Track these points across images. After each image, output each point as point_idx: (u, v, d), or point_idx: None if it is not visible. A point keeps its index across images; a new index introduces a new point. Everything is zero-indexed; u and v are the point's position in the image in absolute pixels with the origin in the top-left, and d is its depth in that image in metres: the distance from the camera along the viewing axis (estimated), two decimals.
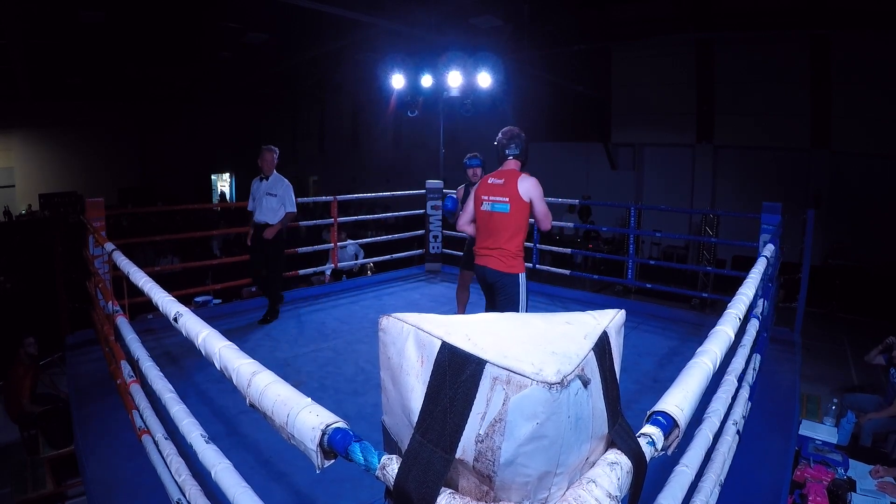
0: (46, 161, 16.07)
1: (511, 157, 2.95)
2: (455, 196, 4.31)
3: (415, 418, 0.67)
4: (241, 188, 20.86)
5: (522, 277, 2.95)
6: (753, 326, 2.23)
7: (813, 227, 4.18)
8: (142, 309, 4.41)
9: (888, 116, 8.44)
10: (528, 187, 2.85)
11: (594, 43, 10.32)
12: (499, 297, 2.97)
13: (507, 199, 2.86)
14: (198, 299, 5.91)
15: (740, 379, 2.02)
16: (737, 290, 1.71)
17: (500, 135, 3.01)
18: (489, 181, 2.95)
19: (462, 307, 4.26)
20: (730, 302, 1.56)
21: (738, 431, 1.98)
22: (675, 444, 0.84)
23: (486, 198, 2.94)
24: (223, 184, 21.33)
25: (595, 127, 11.83)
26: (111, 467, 2.50)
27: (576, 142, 12.40)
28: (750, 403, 2.46)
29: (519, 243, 2.93)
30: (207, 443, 1.39)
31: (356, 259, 6.83)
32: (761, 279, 2.09)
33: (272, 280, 4.63)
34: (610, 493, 0.64)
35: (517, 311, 2.92)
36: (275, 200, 4.44)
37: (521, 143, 2.96)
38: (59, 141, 16.15)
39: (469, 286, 4.25)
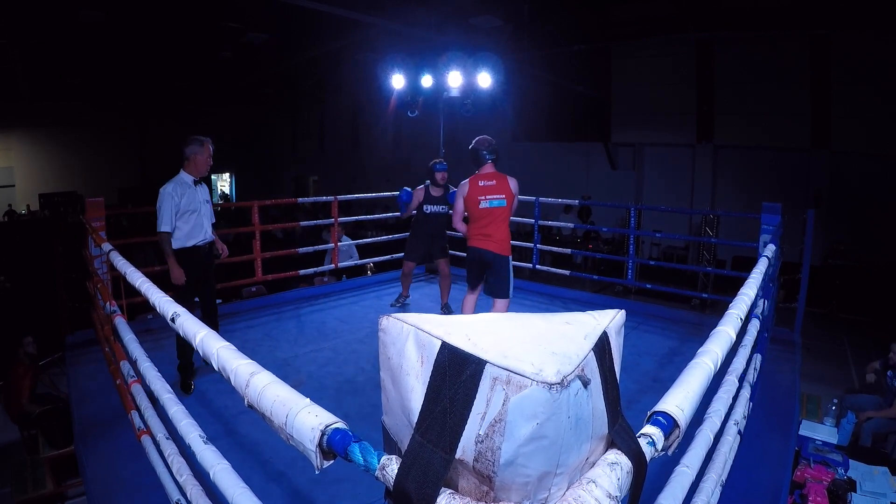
0: (46, 161, 16.06)
1: (490, 161, 3.58)
2: (410, 191, 4.69)
3: (414, 418, 0.67)
4: (241, 188, 20.86)
5: (510, 259, 3.68)
6: (754, 327, 2.22)
7: (813, 227, 4.18)
8: (142, 309, 4.41)
9: (888, 116, 8.44)
10: (515, 186, 3.59)
11: (594, 43, 10.32)
12: (492, 274, 3.64)
13: (503, 196, 3.53)
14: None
15: (741, 379, 2.02)
16: (738, 290, 1.71)
17: (479, 144, 3.59)
18: (480, 183, 3.54)
19: (406, 289, 5.06)
20: (731, 302, 1.55)
21: (738, 432, 1.97)
22: (675, 445, 0.84)
23: (482, 197, 3.53)
24: (223, 183, 21.32)
25: (595, 127, 11.83)
26: (111, 467, 2.50)
27: (576, 142, 12.41)
28: (750, 403, 2.46)
29: (509, 230, 3.65)
30: (206, 443, 1.38)
31: (350, 258, 6.82)
32: (763, 279, 2.09)
33: (215, 310, 3.64)
34: (610, 494, 0.64)
35: (507, 285, 3.64)
36: (210, 209, 3.46)
37: (496, 149, 3.63)
38: (59, 141, 16.14)
39: (412, 273, 5.06)
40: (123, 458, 2.52)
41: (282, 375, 0.93)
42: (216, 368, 1.08)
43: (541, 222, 5.73)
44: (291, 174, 20.44)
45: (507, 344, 0.65)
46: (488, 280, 3.68)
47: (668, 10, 9.38)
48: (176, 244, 3.24)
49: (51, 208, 15.55)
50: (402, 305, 5.06)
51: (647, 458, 0.73)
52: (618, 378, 0.73)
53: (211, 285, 3.53)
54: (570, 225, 8.72)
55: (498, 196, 3.53)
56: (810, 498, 3.58)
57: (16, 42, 10.41)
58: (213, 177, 20.53)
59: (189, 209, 3.26)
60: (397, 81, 6.14)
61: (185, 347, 3.27)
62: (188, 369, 3.33)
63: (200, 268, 3.38)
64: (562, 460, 0.62)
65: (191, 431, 1.43)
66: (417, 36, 8.54)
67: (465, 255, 3.80)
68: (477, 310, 3.98)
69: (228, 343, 1.11)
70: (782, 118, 9.55)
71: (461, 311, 4.03)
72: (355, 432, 0.74)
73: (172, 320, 1.40)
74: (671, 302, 7.84)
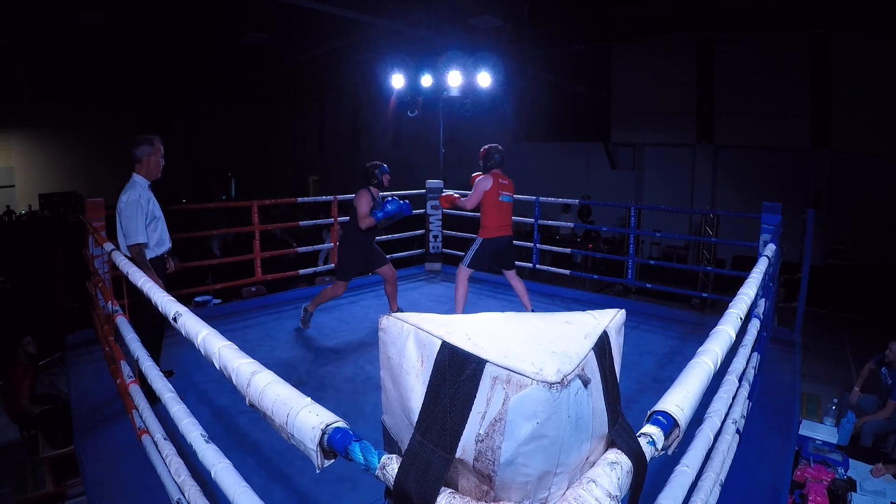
0: (46, 161, 16.07)
1: (501, 165, 4.23)
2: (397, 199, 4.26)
3: (415, 418, 0.67)
4: (241, 188, 20.85)
5: None
6: (754, 326, 2.22)
7: (813, 226, 4.18)
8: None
9: (888, 116, 8.44)
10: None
11: (594, 43, 10.31)
12: (510, 254, 4.32)
13: (511, 194, 4.24)
14: (197, 299, 5.91)
15: (741, 379, 2.02)
16: (738, 289, 1.71)
17: (495, 150, 4.22)
18: (500, 181, 4.16)
19: (321, 304, 4.44)
20: (731, 301, 1.55)
21: (738, 431, 1.97)
22: (675, 444, 0.84)
23: (502, 192, 4.16)
24: None
25: (595, 127, 11.83)
26: (111, 467, 2.50)
27: (576, 142, 12.41)
28: (750, 403, 2.46)
29: None
30: (207, 442, 1.39)
31: None
32: (763, 279, 2.09)
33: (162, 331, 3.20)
34: (610, 493, 0.64)
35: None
36: None
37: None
38: (59, 141, 16.15)
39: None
40: (123, 458, 2.52)
41: (282, 375, 0.93)
42: (218, 367, 1.08)
43: (541, 222, 5.74)
44: (291, 174, 20.44)
45: (508, 343, 0.65)
46: (505, 259, 4.31)
47: (668, 9, 9.38)
48: (148, 254, 2.98)
49: (51, 208, 15.54)
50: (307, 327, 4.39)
51: (647, 458, 0.73)
52: (618, 377, 0.73)
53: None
54: (570, 224, 8.71)
55: (509, 193, 4.22)
56: (810, 498, 3.59)
57: (16, 42, 10.42)
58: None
59: (156, 216, 3.03)
60: (397, 81, 6.14)
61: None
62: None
63: (162, 278, 3.05)
64: (562, 459, 0.62)
65: (192, 430, 1.43)
66: (417, 36, 8.53)
67: (480, 245, 4.20)
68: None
69: (230, 342, 1.12)
70: (782, 118, 9.55)
71: (459, 292, 4.28)
72: (355, 432, 0.74)
73: (174, 319, 1.40)
74: (671, 301, 7.84)
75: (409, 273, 6.34)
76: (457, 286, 4.31)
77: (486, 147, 4.27)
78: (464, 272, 4.27)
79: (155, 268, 3.00)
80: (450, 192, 4.44)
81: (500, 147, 4.27)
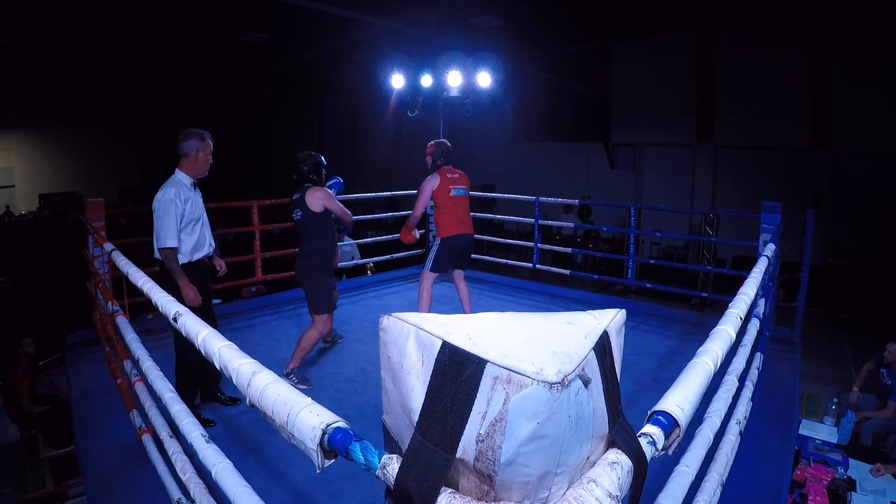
0: (46, 161, 16.06)
1: (449, 160, 4.04)
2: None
3: (415, 418, 0.67)
4: (241, 188, 20.85)
5: None
6: (754, 326, 2.22)
7: (813, 226, 4.18)
8: (142, 309, 4.41)
9: (888, 116, 8.44)
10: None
11: (594, 43, 10.32)
12: (468, 255, 4.09)
13: (465, 187, 4.02)
14: None
15: (741, 379, 2.02)
16: (738, 289, 1.71)
17: (441, 147, 4.02)
18: (448, 175, 3.95)
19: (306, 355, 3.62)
20: (731, 301, 1.55)
21: (739, 431, 1.97)
22: (675, 444, 0.84)
23: (452, 187, 3.94)
24: None
25: (595, 127, 11.83)
26: (111, 467, 2.50)
27: (576, 142, 12.41)
28: (750, 403, 2.46)
29: None
30: (208, 442, 1.39)
31: (352, 259, 6.82)
32: (762, 279, 2.09)
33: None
34: (610, 493, 0.64)
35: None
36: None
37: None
38: (59, 141, 16.14)
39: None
40: (123, 458, 2.52)
41: (281, 375, 0.93)
42: (218, 367, 1.08)
43: (541, 222, 5.74)
44: (291, 175, 20.45)
45: (508, 343, 0.65)
46: (463, 258, 4.08)
47: (668, 9, 9.38)
48: (180, 259, 2.76)
49: (51, 208, 15.54)
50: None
51: (648, 458, 0.73)
52: (618, 377, 0.73)
53: (210, 309, 2.98)
54: (571, 224, 8.72)
55: (462, 186, 3.99)
56: (810, 497, 3.59)
57: (16, 42, 10.42)
58: None
59: (193, 217, 2.79)
60: (397, 81, 6.14)
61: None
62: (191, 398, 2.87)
63: (200, 287, 2.83)
64: (562, 460, 0.62)
65: (192, 430, 1.43)
66: (417, 36, 8.54)
67: (440, 245, 3.95)
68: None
69: (230, 342, 1.12)
70: (782, 118, 9.55)
71: (423, 298, 3.98)
72: (356, 432, 0.74)
73: (175, 320, 1.40)
74: (671, 301, 7.84)
75: (409, 273, 6.34)
76: (420, 292, 4.00)
77: (431, 143, 4.06)
78: (427, 277, 3.99)
79: (191, 273, 2.79)
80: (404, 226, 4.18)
81: (446, 142, 4.08)
